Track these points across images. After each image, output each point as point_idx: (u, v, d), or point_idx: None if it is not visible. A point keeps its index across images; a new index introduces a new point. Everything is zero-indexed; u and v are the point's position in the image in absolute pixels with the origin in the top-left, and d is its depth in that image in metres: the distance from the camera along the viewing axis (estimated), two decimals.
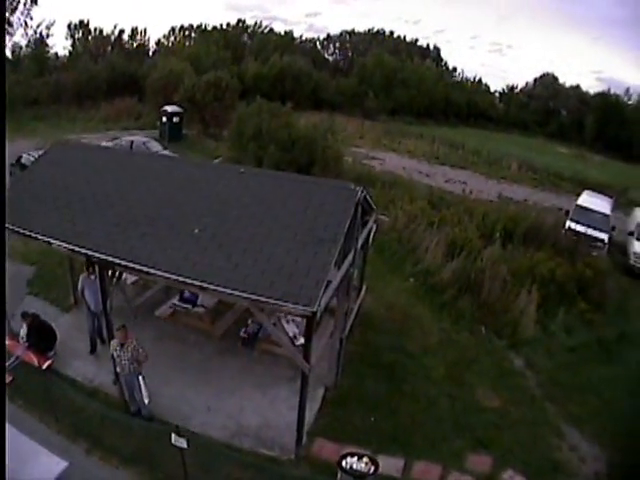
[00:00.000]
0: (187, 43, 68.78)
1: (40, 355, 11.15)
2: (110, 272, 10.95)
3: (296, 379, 9.27)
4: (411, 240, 19.30)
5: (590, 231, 20.91)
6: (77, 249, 9.61)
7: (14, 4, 45.61)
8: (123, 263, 9.20)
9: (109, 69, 50.33)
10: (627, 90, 71.98)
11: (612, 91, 70.09)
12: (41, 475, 7.84)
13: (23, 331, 11.36)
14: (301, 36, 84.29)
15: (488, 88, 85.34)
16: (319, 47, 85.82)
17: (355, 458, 7.58)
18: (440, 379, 12.26)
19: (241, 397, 10.79)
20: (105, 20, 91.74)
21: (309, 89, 65.54)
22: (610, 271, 18.33)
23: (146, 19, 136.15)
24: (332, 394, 11.24)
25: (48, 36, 51.54)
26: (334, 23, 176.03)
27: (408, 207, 21.88)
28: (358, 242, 11.00)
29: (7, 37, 44.30)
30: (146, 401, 9.77)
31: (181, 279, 8.61)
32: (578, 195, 25.20)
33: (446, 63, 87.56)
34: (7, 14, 43.55)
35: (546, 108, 77.22)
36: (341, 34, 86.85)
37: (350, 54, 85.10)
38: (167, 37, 71.10)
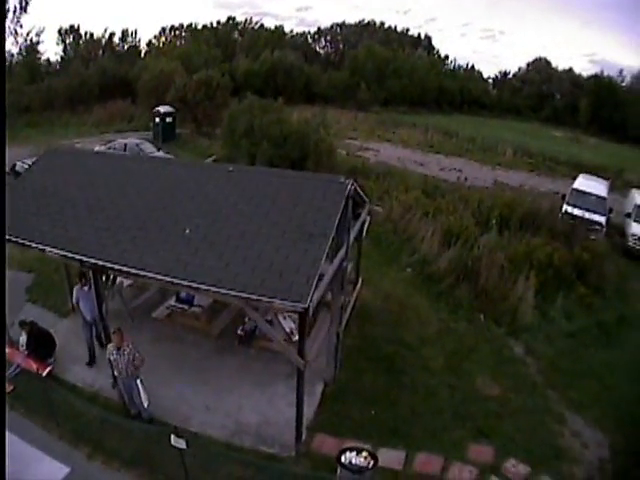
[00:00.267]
0: (178, 43, 68.67)
1: (40, 362, 11.15)
2: (105, 277, 10.94)
3: (294, 375, 9.21)
4: (407, 230, 19.28)
5: (587, 214, 20.86)
6: (69, 255, 9.59)
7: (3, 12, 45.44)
8: (115, 267, 9.18)
9: (100, 73, 50.20)
10: (620, 71, 72.22)
11: (605, 73, 70.21)
12: None
13: (22, 339, 11.37)
14: (292, 31, 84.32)
15: (481, 75, 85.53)
16: (310, 41, 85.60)
17: (354, 453, 7.58)
18: (439, 369, 12.22)
19: (240, 395, 10.77)
20: (96, 24, 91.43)
21: (301, 83, 65.48)
22: (608, 254, 18.27)
23: (137, 21, 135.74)
24: (331, 389, 11.20)
25: (39, 43, 51.56)
26: (325, 16, 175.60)
27: (403, 197, 21.83)
28: (350, 235, 10.95)
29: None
30: (145, 404, 9.77)
31: (173, 280, 8.58)
32: (574, 179, 25.06)
33: (438, 51, 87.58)
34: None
35: (540, 93, 77.19)
36: (332, 27, 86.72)
37: (341, 46, 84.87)
38: (158, 38, 71.18)
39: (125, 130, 38.59)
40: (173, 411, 10.21)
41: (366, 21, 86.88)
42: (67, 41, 59.32)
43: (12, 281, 12.81)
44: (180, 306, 13.01)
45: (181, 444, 7.82)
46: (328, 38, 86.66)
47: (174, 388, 10.82)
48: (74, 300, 11.77)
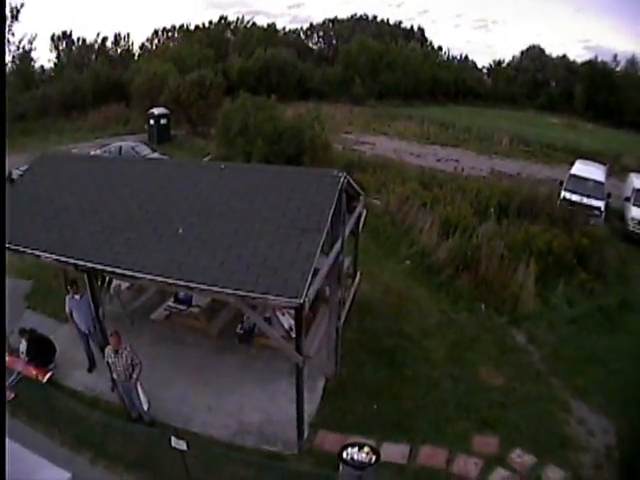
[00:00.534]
0: (171, 44, 68.50)
1: (40, 369, 11.16)
2: (100, 280, 10.87)
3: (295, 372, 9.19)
4: (405, 222, 19.22)
5: (586, 200, 20.83)
6: (63, 259, 9.51)
7: None
8: (109, 269, 9.09)
9: (94, 78, 50.03)
10: (615, 56, 71.80)
11: (600, 59, 69.95)
12: None
13: (22, 346, 11.35)
14: (284, 28, 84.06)
15: (475, 65, 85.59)
16: (303, 37, 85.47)
17: (356, 449, 7.50)
18: (441, 361, 12.14)
19: (241, 394, 10.71)
20: (88, 29, 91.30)
21: (295, 80, 65.31)
22: (608, 239, 18.27)
23: (129, 24, 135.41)
24: (332, 384, 11.13)
25: (31, 50, 51.47)
26: (318, 12, 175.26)
27: (400, 189, 21.74)
28: (346, 229, 10.87)
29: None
30: (145, 407, 9.73)
31: (167, 280, 8.51)
32: (571, 165, 24.96)
33: (431, 43, 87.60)
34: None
35: (534, 80, 77.26)
36: (324, 22, 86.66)
37: (334, 42, 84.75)
38: (150, 40, 70.97)
39: (121, 134, 38.49)
40: (175, 412, 10.18)
41: (358, 15, 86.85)
42: (60, 47, 59.19)
43: (12, 289, 12.79)
44: (178, 307, 12.93)
45: (182, 446, 7.77)
46: (321, 34, 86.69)
47: (175, 389, 10.78)
48: (67, 310, 11.53)
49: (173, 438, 7.80)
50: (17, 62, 50.21)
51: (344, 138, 35.92)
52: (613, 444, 9.85)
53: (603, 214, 20.81)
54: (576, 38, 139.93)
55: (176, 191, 10.38)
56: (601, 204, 21.00)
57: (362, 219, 13.15)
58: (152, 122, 35.94)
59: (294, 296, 7.58)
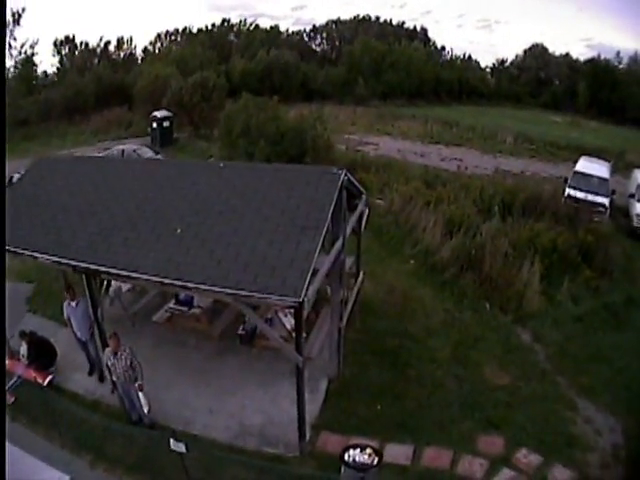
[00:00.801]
0: (174, 47, 68.48)
1: (41, 372, 11.08)
2: (99, 281, 10.77)
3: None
4: (408, 221, 19.09)
5: (590, 197, 20.65)
6: (62, 261, 9.43)
7: None
8: (107, 270, 9.01)
9: (96, 81, 49.83)
10: (617, 54, 71.46)
11: (602, 57, 69.70)
12: None
13: (23, 349, 11.26)
14: (287, 30, 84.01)
15: (478, 64, 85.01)
16: (306, 39, 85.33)
17: (357, 450, 7.35)
18: (446, 360, 12.01)
19: (242, 396, 10.62)
20: (91, 33, 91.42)
21: (298, 81, 65.16)
22: (613, 235, 18.13)
23: (132, 28, 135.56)
24: (335, 385, 11.03)
25: (34, 55, 51.38)
26: (321, 14, 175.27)
27: (403, 188, 21.62)
28: (347, 227, 10.76)
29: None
30: (145, 410, 9.66)
31: (164, 281, 8.40)
32: (575, 162, 24.80)
33: (434, 43, 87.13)
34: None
35: (538, 79, 76.95)
36: (327, 24, 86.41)
37: (337, 43, 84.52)
38: (153, 43, 70.96)
39: (123, 137, 38.44)
40: (175, 415, 10.11)
41: (361, 16, 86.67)
42: (63, 52, 59.16)
43: (13, 292, 12.79)
44: (179, 308, 12.82)
45: (180, 448, 7.68)
46: (324, 35, 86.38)
47: (176, 391, 10.70)
48: (65, 316, 11.41)
49: (172, 440, 7.72)
50: (19, 67, 50.12)
51: (347, 139, 35.78)
52: (620, 443, 9.73)
53: (608, 211, 20.66)
54: (578, 37, 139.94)
55: (174, 190, 10.29)
56: (606, 201, 20.85)
57: (364, 218, 13.03)
58: (155, 125, 35.80)
59: (293, 295, 7.46)
